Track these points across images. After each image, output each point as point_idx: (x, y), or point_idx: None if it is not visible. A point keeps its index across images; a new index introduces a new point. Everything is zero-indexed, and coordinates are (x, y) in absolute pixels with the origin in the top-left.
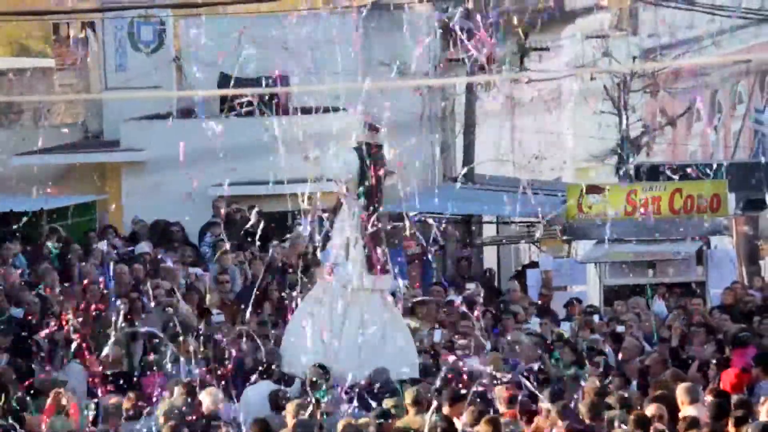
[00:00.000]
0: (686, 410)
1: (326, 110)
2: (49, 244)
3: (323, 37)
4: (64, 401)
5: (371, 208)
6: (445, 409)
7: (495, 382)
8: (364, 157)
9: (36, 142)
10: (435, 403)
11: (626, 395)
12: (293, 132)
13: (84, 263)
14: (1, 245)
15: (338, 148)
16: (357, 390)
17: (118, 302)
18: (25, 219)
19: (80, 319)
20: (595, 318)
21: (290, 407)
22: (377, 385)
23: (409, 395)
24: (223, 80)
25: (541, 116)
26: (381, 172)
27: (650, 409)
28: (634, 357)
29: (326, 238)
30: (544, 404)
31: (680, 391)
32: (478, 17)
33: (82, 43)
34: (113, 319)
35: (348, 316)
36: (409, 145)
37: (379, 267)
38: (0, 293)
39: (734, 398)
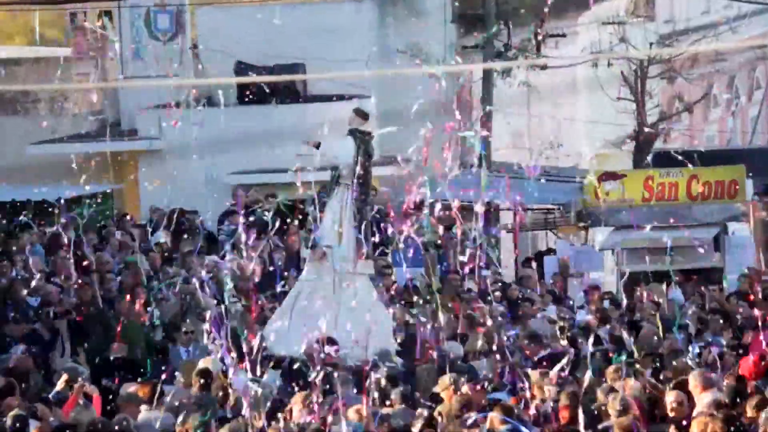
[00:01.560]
0: (704, 397)
1: (342, 98)
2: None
3: (339, 25)
4: (87, 391)
5: (362, 194)
6: (465, 388)
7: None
8: (357, 143)
9: (52, 131)
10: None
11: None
12: (308, 119)
13: (100, 252)
14: (18, 235)
15: (340, 135)
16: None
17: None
18: (41, 208)
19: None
20: (605, 304)
21: (298, 398)
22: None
23: (443, 383)
24: (239, 68)
25: (558, 103)
26: (370, 159)
27: (670, 396)
28: (651, 345)
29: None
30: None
31: (693, 378)
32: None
33: (99, 32)
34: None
35: (342, 299)
36: (425, 132)
37: (366, 252)
38: (18, 282)
39: (751, 385)
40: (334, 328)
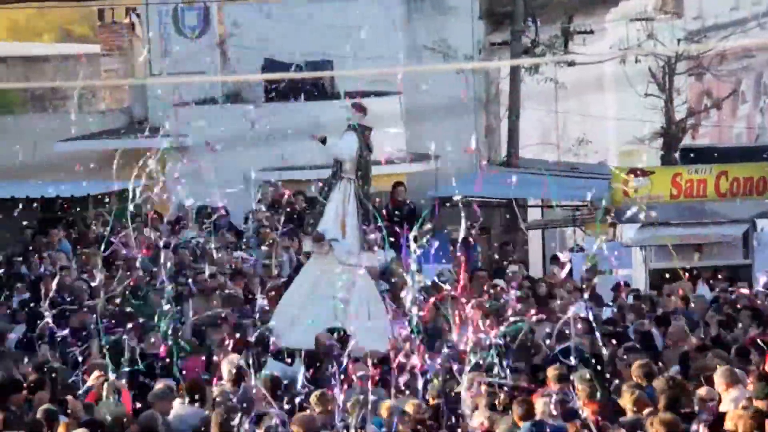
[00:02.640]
0: (729, 395)
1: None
2: None
3: (366, 21)
4: (116, 385)
5: (363, 187)
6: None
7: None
8: (359, 137)
9: (81, 128)
10: None
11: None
12: (336, 116)
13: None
14: (47, 231)
15: (343, 130)
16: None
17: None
18: (70, 205)
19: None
20: (629, 299)
21: (313, 399)
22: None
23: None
24: (267, 65)
25: (585, 100)
26: (370, 153)
27: (701, 392)
28: (680, 341)
29: (319, 216)
30: (579, 384)
31: (718, 376)
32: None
33: (127, 29)
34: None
35: (346, 292)
36: (452, 129)
37: (370, 245)
38: (47, 279)
39: None
40: (342, 321)
